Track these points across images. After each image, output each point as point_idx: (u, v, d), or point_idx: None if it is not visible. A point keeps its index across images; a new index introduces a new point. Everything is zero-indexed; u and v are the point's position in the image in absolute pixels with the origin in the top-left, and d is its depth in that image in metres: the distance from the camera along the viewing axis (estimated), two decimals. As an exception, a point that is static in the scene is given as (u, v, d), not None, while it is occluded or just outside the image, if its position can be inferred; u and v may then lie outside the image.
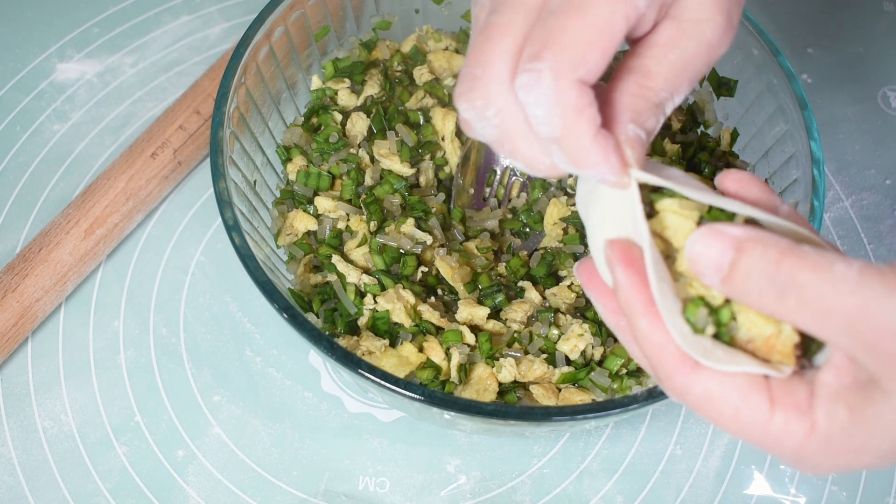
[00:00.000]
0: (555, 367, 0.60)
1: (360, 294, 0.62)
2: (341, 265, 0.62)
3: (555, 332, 0.61)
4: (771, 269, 0.35)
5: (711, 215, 0.38)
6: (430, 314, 0.61)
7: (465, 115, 0.41)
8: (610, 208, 0.41)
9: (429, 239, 0.63)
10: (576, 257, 0.66)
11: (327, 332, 0.61)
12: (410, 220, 0.63)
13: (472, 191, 0.69)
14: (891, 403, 0.35)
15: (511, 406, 0.58)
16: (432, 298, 0.63)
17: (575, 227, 0.66)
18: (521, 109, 0.39)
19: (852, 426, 0.36)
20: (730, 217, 0.38)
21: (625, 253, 0.39)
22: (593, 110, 0.38)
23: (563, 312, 0.62)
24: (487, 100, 0.39)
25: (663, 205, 0.39)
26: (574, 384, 0.60)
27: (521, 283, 0.64)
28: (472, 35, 0.41)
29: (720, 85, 0.67)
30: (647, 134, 0.40)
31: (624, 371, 0.60)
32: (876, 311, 0.33)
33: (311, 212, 0.66)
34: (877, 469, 0.47)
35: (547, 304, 0.63)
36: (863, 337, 0.34)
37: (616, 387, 0.59)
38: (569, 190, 0.69)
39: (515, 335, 0.61)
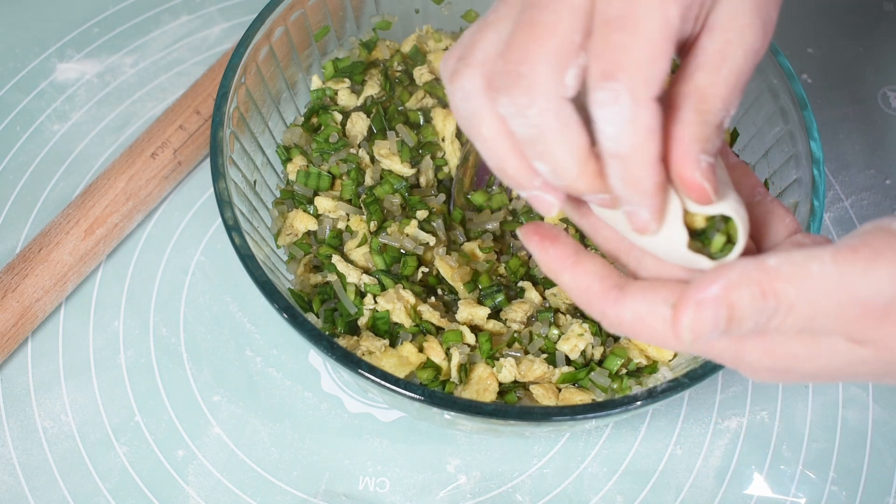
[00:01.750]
0: (555, 367, 0.60)
1: (360, 294, 0.62)
2: (341, 265, 0.62)
3: (555, 332, 0.61)
4: (759, 304, 0.36)
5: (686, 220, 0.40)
6: (431, 314, 0.61)
7: (501, 111, 0.40)
8: None
9: (431, 240, 0.63)
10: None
11: (327, 332, 0.61)
12: (414, 221, 0.63)
13: (471, 195, 0.69)
14: (850, 343, 0.37)
15: (511, 406, 0.58)
16: (432, 298, 0.63)
17: (575, 228, 0.66)
18: (565, 112, 0.39)
19: (797, 339, 0.38)
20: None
21: (535, 230, 0.43)
22: (660, 134, 0.38)
23: (563, 312, 0.62)
24: (532, 98, 0.39)
25: None
26: (574, 384, 0.60)
27: (521, 283, 0.64)
28: (512, 29, 0.40)
29: (720, 85, 0.67)
30: (714, 157, 0.40)
31: (624, 371, 0.60)
32: (865, 291, 0.35)
33: (311, 212, 0.66)
34: (810, 382, 0.48)
35: (547, 304, 0.63)
36: (852, 321, 0.36)
37: (616, 387, 0.59)
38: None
39: (515, 335, 0.61)
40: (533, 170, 0.41)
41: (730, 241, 0.41)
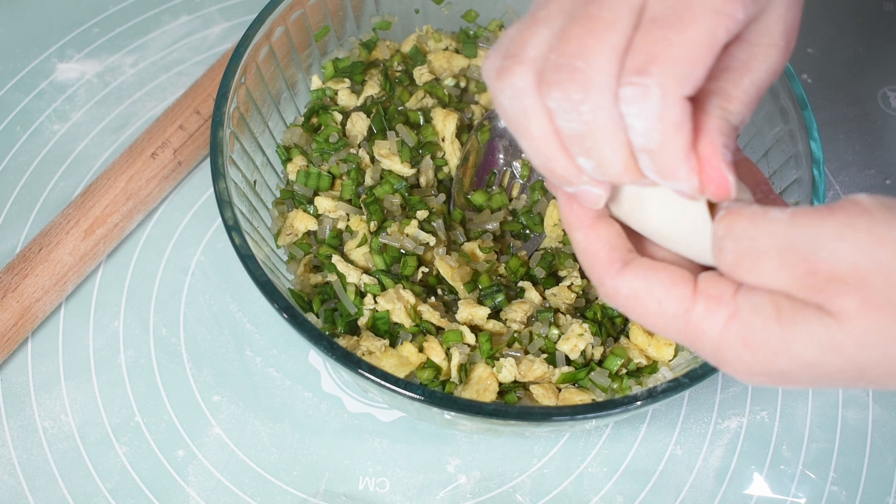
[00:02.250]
0: (555, 367, 0.60)
1: (360, 294, 0.62)
2: (341, 265, 0.62)
3: (555, 332, 0.61)
4: (724, 238, 0.38)
5: None
6: (431, 314, 0.61)
7: (551, 104, 0.39)
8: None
9: (432, 240, 0.63)
10: (575, 258, 0.66)
11: (327, 332, 0.61)
12: (414, 221, 0.63)
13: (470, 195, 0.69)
14: (824, 321, 0.36)
15: (511, 406, 0.58)
16: (432, 298, 0.63)
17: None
18: (617, 111, 0.38)
19: (777, 324, 0.37)
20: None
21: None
22: (690, 126, 0.38)
23: (563, 312, 0.62)
24: (587, 94, 0.38)
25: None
26: (574, 384, 0.60)
27: (521, 283, 0.64)
28: (567, 24, 0.39)
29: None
30: (731, 155, 0.40)
31: (624, 371, 0.60)
32: (807, 241, 0.36)
33: (311, 212, 0.66)
34: (792, 387, 0.47)
35: (547, 304, 0.63)
36: (797, 269, 0.36)
37: (616, 387, 0.59)
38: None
39: (515, 335, 0.61)
40: (579, 166, 0.41)
41: None
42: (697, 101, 0.40)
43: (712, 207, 0.41)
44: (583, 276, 0.65)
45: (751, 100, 0.41)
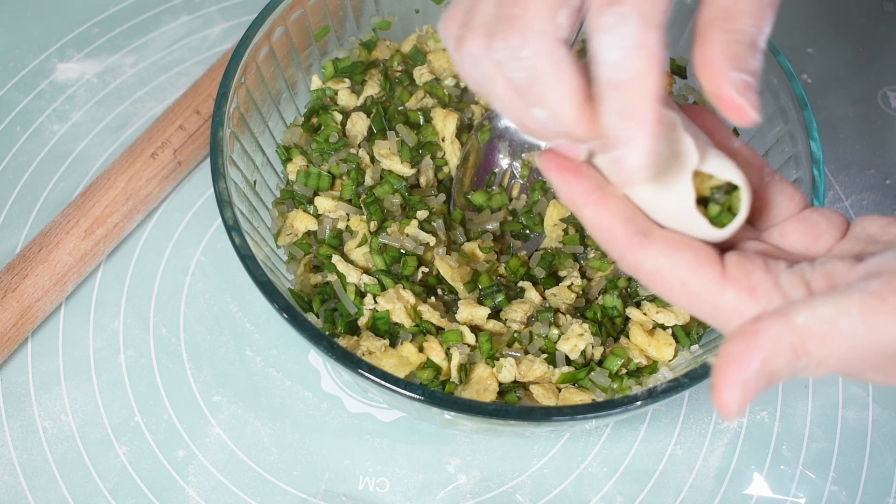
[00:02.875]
0: (555, 367, 0.60)
1: (360, 294, 0.62)
2: (341, 265, 0.62)
3: (555, 332, 0.61)
4: (793, 364, 0.37)
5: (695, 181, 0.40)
6: (430, 314, 0.61)
7: (497, 57, 0.40)
8: None
9: (432, 240, 0.63)
10: (576, 258, 0.66)
11: (327, 332, 0.61)
12: (414, 221, 0.63)
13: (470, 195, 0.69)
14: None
15: (511, 406, 0.58)
16: (432, 298, 0.63)
17: (575, 228, 0.66)
18: (559, 52, 0.38)
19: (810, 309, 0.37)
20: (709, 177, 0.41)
21: (555, 159, 0.42)
22: (663, 66, 0.37)
23: (563, 312, 0.62)
24: (525, 39, 0.38)
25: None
26: (574, 384, 0.60)
27: (521, 283, 0.64)
28: None
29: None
30: (752, 76, 0.39)
31: (624, 371, 0.60)
32: (884, 345, 0.36)
33: (311, 212, 0.65)
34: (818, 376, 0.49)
35: (547, 304, 0.63)
36: (876, 367, 0.37)
37: (616, 387, 0.59)
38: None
39: (515, 335, 0.61)
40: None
41: (729, 212, 0.41)
42: (701, 34, 0.39)
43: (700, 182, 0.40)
44: (583, 276, 0.65)
45: (761, 6, 0.39)
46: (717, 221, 0.41)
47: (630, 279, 0.63)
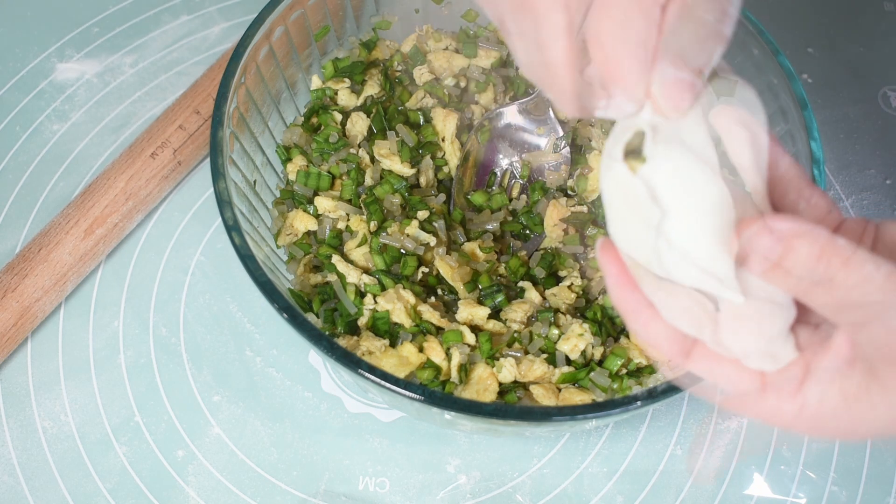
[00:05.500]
0: (555, 367, 0.60)
1: (360, 294, 0.62)
2: (341, 265, 0.62)
3: (555, 332, 0.61)
4: (811, 264, 0.37)
5: None
6: (430, 314, 0.61)
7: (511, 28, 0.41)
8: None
9: (432, 240, 0.63)
10: (576, 258, 0.66)
11: (327, 332, 0.61)
12: (414, 221, 0.63)
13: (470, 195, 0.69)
14: (888, 397, 0.38)
15: (511, 406, 0.58)
16: (432, 298, 0.63)
17: (575, 228, 0.66)
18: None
19: (844, 411, 0.39)
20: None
21: (614, 257, 0.41)
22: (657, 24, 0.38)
23: (563, 312, 0.62)
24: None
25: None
26: (574, 384, 0.60)
27: (521, 283, 0.64)
28: None
29: (720, 85, 0.67)
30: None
31: (624, 371, 0.60)
32: (891, 315, 0.36)
33: (311, 212, 0.65)
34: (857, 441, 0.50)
35: (547, 304, 0.63)
36: (876, 336, 0.37)
37: (616, 387, 0.59)
38: (568, 192, 0.69)
39: (515, 335, 0.61)
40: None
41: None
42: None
43: None
44: (583, 276, 0.65)
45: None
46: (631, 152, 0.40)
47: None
